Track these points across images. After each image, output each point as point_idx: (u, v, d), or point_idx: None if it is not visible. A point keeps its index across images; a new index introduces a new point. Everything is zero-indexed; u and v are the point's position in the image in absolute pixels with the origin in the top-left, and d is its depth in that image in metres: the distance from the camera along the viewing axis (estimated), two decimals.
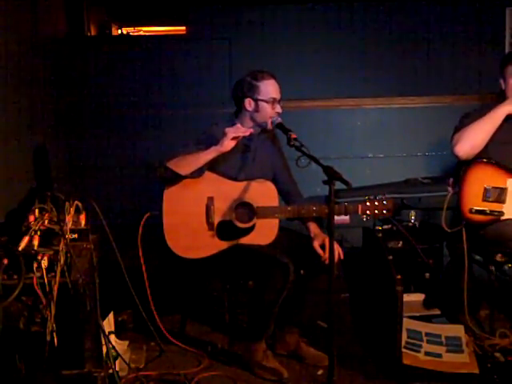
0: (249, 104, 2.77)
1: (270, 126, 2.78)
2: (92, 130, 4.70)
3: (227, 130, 2.61)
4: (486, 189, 2.84)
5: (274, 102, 2.76)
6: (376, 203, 2.76)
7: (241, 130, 2.65)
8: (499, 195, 2.84)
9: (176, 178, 2.69)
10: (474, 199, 2.86)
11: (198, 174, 2.70)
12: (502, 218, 2.82)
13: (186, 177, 2.68)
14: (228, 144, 2.61)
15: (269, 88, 2.76)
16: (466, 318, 2.94)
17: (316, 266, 2.76)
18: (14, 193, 3.00)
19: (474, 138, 2.85)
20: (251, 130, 2.71)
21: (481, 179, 2.86)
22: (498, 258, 2.89)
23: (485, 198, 2.84)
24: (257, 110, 2.77)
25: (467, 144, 2.85)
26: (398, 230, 3.22)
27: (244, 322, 3.05)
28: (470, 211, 2.86)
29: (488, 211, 2.83)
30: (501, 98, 2.94)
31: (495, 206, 2.84)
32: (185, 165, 2.66)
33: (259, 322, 2.74)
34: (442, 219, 2.93)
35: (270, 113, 2.76)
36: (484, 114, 2.88)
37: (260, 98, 2.75)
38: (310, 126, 4.55)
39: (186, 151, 2.70)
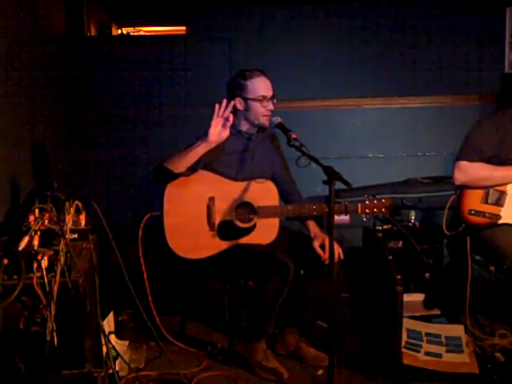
0: (239, 104, 2.75)
1: (266, 124, 2.76)
2: (92, 129, 4.70)
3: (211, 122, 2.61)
4: (486, 191, 2.85)
5: (263, 99, 2.73)
6: (375, 202, 2.77)
7: (221, 110, 2.59)
8: (499, 198, 2.83)
9: (172, 177, 2.68)
10: (474, 200, 2.86)
11: (192, 170, 2.67)
12: (499, 221, 2.82)
13: (180, 175, 2.66)
14: (213, 133, 2.59)
15: (257, 85, 2.73)
16: (466, 318, 2.94)
17: (316, 265, 2.76)
18: (13, 193, 3.00)
19: (478, 184, 2.85)
20: (232, 104, 2.64)
21: None
22: None
23: (484, 200, 2.85)
24: (247, 108, 2.75)
25: (471, 183, 2.85)
26: (398, 230, 3.22)
27: (244, 322, 3.04)
28: (470, 212, 2.86)
29: (486, 214, 2.83)
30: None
31: (493, 209, 2.83)
32: (178, 163, 2.64)
33: (259, 321, 2.73)
34: (443, 222, 2.93)
35: (261, 111, 2.74)
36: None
37: (249, 96, 2.73)
38: (310, 126, 4.55)
39: (181, 149, 2.69)
